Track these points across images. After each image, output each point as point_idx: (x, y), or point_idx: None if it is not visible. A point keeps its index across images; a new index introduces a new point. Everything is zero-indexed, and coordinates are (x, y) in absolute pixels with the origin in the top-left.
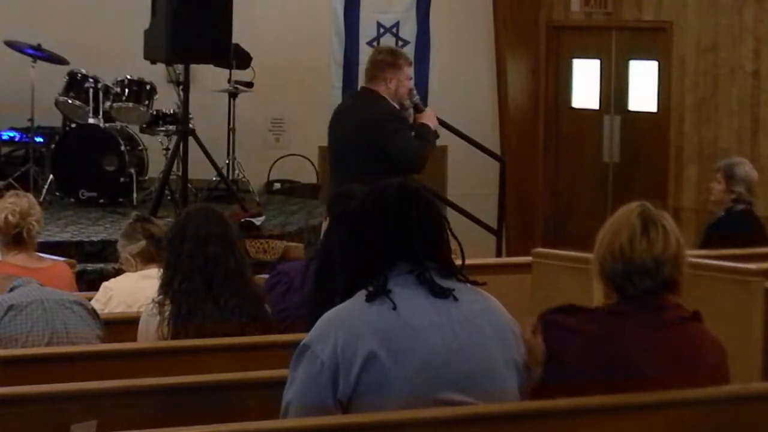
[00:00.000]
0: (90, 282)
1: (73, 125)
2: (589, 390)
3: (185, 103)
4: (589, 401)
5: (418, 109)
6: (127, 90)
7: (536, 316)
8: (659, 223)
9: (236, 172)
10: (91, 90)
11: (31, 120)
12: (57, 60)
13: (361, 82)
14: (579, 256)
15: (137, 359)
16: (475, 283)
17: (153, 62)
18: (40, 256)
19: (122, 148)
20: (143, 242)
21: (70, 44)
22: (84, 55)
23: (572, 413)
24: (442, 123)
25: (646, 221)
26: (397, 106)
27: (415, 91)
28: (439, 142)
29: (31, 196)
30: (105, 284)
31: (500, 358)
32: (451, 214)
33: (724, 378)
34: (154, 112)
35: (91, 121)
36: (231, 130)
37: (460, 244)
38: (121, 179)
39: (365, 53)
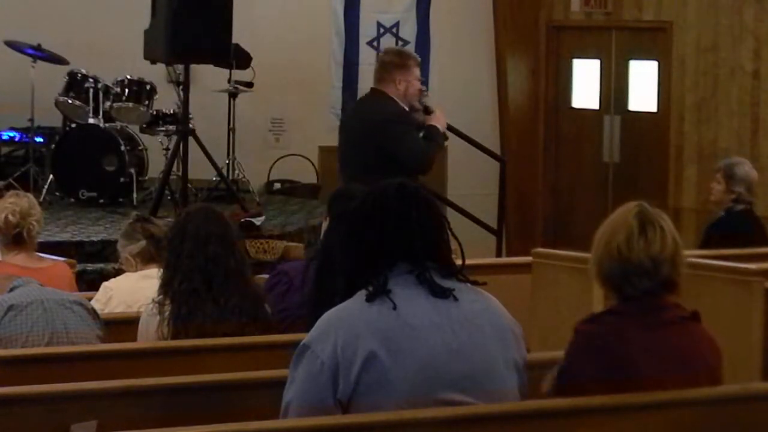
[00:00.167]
0: (90, 282)
1: (73, 125)
2: (589, 390)
3: (185, 103)
4: (589, 401)
5: (427, 111)
6: (127, 90)
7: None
8: (656, 223)
9: (236, 172)
10: (91, 90)
11: (31, 120)
12: (57, 60)
13: (361, 82)
14: (579, 256)
15: (137, 359)
16: (475, 283)
17: (153, 62)
18: (40, 256)
19: (122, 148)
20: (143, 242)
21: (70, 44)
22: (84, 55)
23: (572, 413)
24: None
25: (643, 221)
26: (407, 108)
27: (426, 93)
28: None
29: (31, 196)
30: (105, 284)
31: (500, 358)
32: (451, 214)
33: (719, 379)
34: (154, 112)
35: (91, 121)
36: (231, 130)
37: (460, 244)
38: (121, 179)
39: (365, 53)
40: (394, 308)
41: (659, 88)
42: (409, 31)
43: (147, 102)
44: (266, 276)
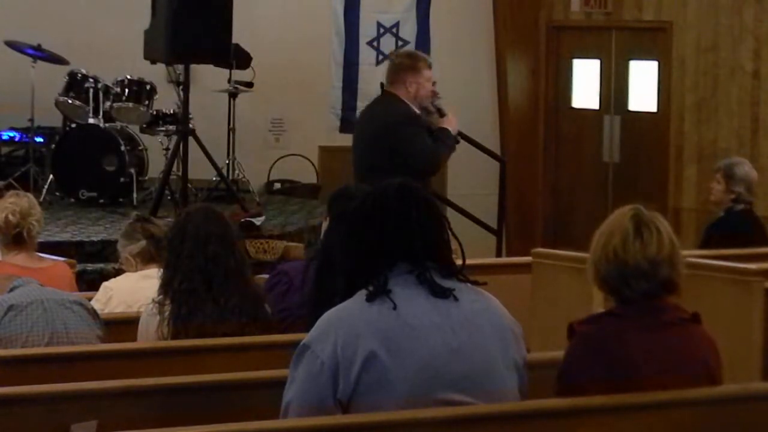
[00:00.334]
0: (90, 282)
1: (73, 125)
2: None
3: (185, 103)
4: (589, 401)
5: (440, 113)
6: (127, 90)
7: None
8: (652, 225)
9: (236, 172)
10: (91, 90)
11: (32, 120)
12: (57, 60)
13: (361, 82)
14: (579, 256)
15: (137, 359)
16: (475, 283)
17: (153, 62)
18: (41, 256)
19: (122, 148)
20: (143, 242)
21: (70, 44)
22: (84, 55)
23: (572, 413)
24: None
25: (639, 223)
26: (418, 110)
27: (439, 95)
28: None
29: (31, 196)
30: (105, 284)
31: (500, 358)
32: (451, 214)
33: (719, 381)
34: (154, 112)
35: (91, 121)
36: (231, 130)
37: (460, 244)
38: (121, 179)
39: (365, 53)
40: (394, 308)
41: (659, 88)
42: (409, 31)
43: (147, 102)
44: (266, 276)
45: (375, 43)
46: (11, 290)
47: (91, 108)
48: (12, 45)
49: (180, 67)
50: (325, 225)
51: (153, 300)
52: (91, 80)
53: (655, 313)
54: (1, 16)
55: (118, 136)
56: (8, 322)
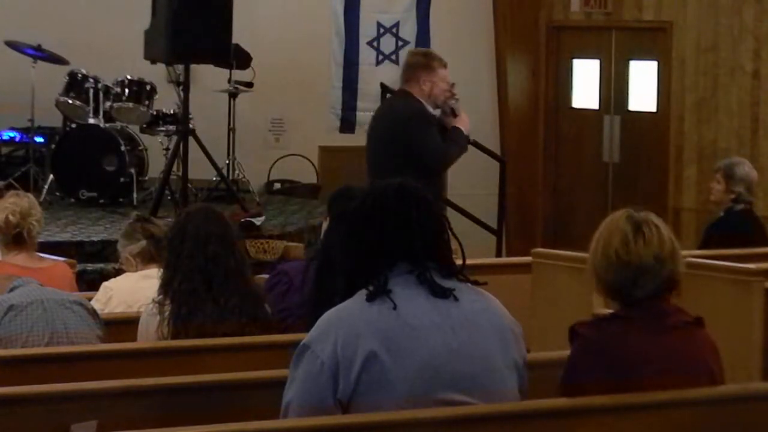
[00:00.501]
0: (90, 282)
1: (74, 125)
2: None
3: (185, 103)
4: (589, 401)
5: (453, 113)
6: (127, 90)
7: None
8: (650, 223)
9: (236, 172)
10: (91, 90)
11: (32, 120)
12: (57, 60)
13: (361, 82)
14: (579, 256)
15: (137, 359)
16: (475, 282)
17: (153, 62)
18: (41, 256)
19: (122, 148)
20: (143, 242)
21: (70, 44)
22: (84, 55)
23: (572, 413)
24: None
25: (636, 224)
26: (431, 108)
27: (456, 95)
28: None
29: (31, 196)
30: (105, 284)
31: (500, 358)
32: (451, 214)
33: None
34: (154, 112)
35: (91, 121)
36: (231, 130)
37: (460, 244)
38: (121, 179)
39: (365, 53)
40: (395, 308)
41: (659, 88)
42: (409, 31)
43: (147, 102)
44: (266, 276)
45: (375, 43)
46: (11, 290)
47: (91, 108)
48: (12, 45)
49: (180, 67)
50: (325, 225)
51: (153, 300)
52: (91, 80)
53: (659, 316)
54: (1, 16)
55: (118, 136)
56: (8, 322)
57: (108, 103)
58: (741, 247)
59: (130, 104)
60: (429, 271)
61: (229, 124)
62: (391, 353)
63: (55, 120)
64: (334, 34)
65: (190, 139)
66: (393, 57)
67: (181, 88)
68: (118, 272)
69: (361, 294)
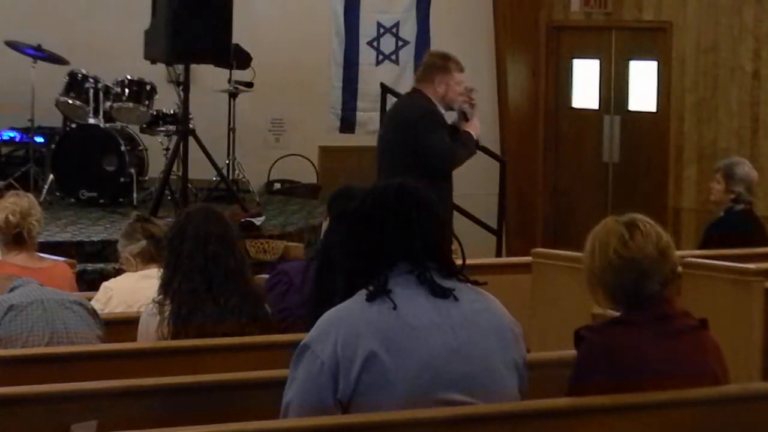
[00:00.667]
0: (90, 282)
1: (74, 125)
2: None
3: (185, 103)
4: (590, 401)
5: (465, 117)
6: (127, 90)
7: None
8: (642, 220)
9: (236, 172)
10: (91, 90)
11: (32, 120)
12: (57, 60)
13: (361, 82)
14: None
15: (137, 359)
16: (475, 283)
17: (153, 62)
18: (41, 256)
19: (122, 148)
20: (143, 242)
21: (70, 44)
22: (84, 55)
23: (572, 413)
24: None
25: (627, 224)
26: (443, 110)
27: (474, 101)
28: None
29: (31, 196)
30: (105, 284)
31: (500, 358)
32: None
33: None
34: (154, 112)
35: (91, 121)
36: (231, 130)
37: (460, 244)
38: (121, 179)
39: (365, 53)
40: (395, 308)
41: (659, 88)
42: (409, 31)
43: (147, 102)
44: (266, 276)
45: (375, 43)
46: (11, 290)
47: (91, 108)
48: (12, 45)
49: (180, 67)
50: (325, 225)
51: (153, 300)
52: (91, 80)
53: (664, 320)
54: (1, 16)
55: (118, 136)
56: (8, 323)
57: (108, 103)
58: (741, 247)
59: (130, 104)
60: (429, 271)
61: (229, 124)
62: (391, 353)
63: (55, 120)
64: (334, 34)
65: (190, 139)
66: (393, 57)
67: (181, 88)
68: (118, 272)
69: (361, 294)
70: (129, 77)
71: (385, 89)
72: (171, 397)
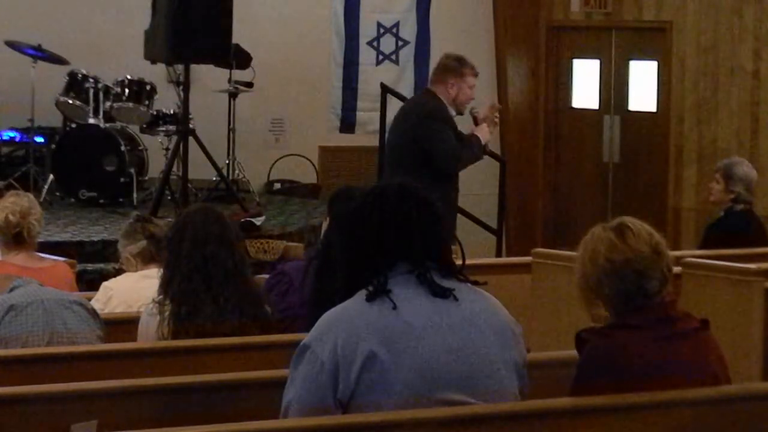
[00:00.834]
0: (90, 282)
1: (74, 125)
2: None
3: (185, 103)
4: (590, 401)
5: (475, 122)
6: (127, 90)
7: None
8: (630, 221)
9: (236, 172)
10: (91, 90)
11: (32, 120)
12: (57, 60)
13: (361, 82)
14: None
15: (137, 359)
16: (475, 283)
17: (153, 62)
18: (41, 256)
19: (122, 148)
20: (143, 242)
21: (70, 44)
22: (84, 55)
23: (572, 413)
24: None
25: (615, 229)
26: (454, 112)
27: (498, 106)
28: None
29: (31, 196)
30: (105, 284)
31: (500, 358)
32: None
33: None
34: (155, 112)
35: (91, 121)
36: (231, 130)
37: (460, 244)
38: (121, 179)
39: (365, 53)
40: (394, 308)
41: (659, 88)
42: (409, 31)
43: (147, 102)
44: (266, 276)
45: (375, 43)
46: (11, 290)
47: (91, 108)
48: (12, 45)
49: (180, 67)
50: (325, 225)
51: (153, 300)
52: (91, 80)
53: (666, 323)
54: (1, 16)
55: (118, 136)
56: (8, 323)
57: (108, 103)
58: (741, 247)
59: (130, 104)
60: (429, 271)
61: (229, 124)
62: (391, 353)
63: (55, 120)
64: (334, 34)
65: (190, 139)
66: (393, 57)
67: (181, 88)
68: (118, 272)
69: (361, 294)
70: (129, 77)
71: (385, 89)
72: (171, 397)
